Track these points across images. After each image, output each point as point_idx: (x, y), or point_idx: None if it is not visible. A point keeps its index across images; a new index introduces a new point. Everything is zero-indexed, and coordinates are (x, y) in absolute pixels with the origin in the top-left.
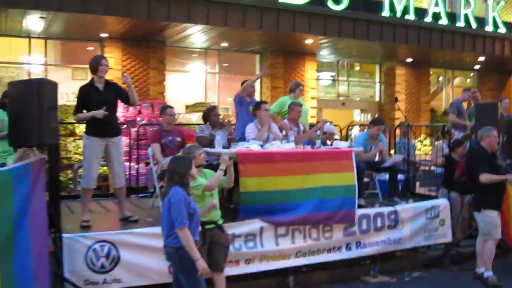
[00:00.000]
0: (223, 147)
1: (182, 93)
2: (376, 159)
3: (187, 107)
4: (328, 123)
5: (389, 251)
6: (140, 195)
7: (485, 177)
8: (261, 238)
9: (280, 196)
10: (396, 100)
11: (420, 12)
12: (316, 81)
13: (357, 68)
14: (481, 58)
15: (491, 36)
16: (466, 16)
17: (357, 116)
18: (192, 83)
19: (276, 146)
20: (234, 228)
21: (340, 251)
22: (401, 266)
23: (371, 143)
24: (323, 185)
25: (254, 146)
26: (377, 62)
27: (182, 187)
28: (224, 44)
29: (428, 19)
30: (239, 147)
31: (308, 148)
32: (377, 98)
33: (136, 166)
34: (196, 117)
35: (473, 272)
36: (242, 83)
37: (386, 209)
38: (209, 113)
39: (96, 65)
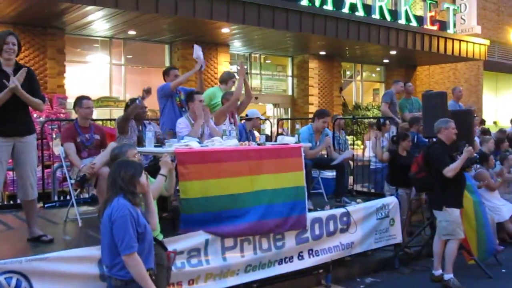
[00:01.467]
0: None
1: (84, 86)
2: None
3: None
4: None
5: (341, 257)
6: (47, 205)
7: (449, 170)
8: (206, 253)
9: (226, 202)
10: (341, 89)
11: (338, 3)
12: None
13: (269, 61)
14: (393, 52)
15: (404, 30)
16: (380, 8)
17: (270, 110)
18: (96, 76)
19: (217, 143)
20: (176, 243)
21: (292, 262)
22: (352, 272)
23: (316, 137)
24: (272, 188)
25: (193, 144)
26: (289, 55)
27: (127, 198)
28: (132, 33)
29: (346, 10)
30: (177, 145)
31: (254, 145)
32: (290, 92)
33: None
34: (101, 113)
35: (429, 274)
36: (166, 72)
37: (338, 211)
38: None
39: (1, 43)
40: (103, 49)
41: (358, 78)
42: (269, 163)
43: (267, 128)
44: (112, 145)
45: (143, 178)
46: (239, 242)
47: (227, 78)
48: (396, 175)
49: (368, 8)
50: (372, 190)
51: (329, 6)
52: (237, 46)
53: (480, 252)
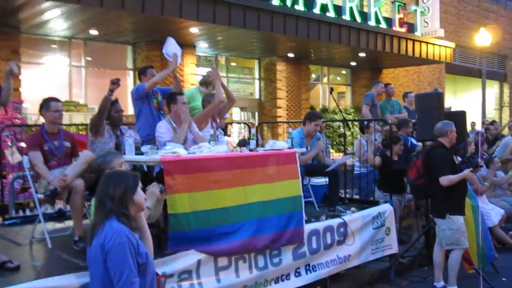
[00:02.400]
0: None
1: (42, 90)
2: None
3: None
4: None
5: (338, 271)
6: (7, 222)
7: (446, 179)
8: (199, 274)
9: (218, 217)
10: (332, 90)
11: (309, 3)
12: (195, 77)
13: (235, 64)
14: (362, 54)
15: (374, 31)
16: (351, 9)
17: (237, 114)
18: (54, 79)
19: (206, 150)
20: (165, 265)
21: (289, 279)
22: (346, 287)
23: (307, 142)
24: (267, 199)
25: (181, 151)
26: (256, 57)
27: (121, 220)
28: (93, 32)
29: (317, 10)
30: (163, 152)
31: (246, 151)
32: (257, 95)
33: None
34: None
35: (428, 285)
36: (142, 71)
37: (335, 222)
38: (109, 109)
39: None
40: (61, 50)
41: (325, 80)
42: (263, 171)
43: (234, 133)
44: (86, 154)
45: (139, 195)
46: (233, 260)
47: (209, 81)
48: (389, 181)
49: (338, 9)
50: (356, 197)
51: (300, 6)
52: (203, 47)
53: (479, 260)
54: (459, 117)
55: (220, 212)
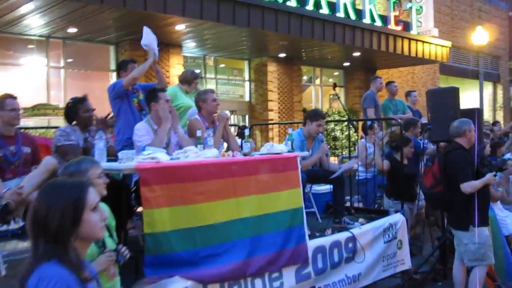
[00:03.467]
0: None
1: (17, 92)
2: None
3: (25, 110)
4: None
5: None
6: None
7: (470, 186)
8: None
9: (206, 235)
10: (335, 86)
11: None
12: None
13: (224, 65)
14: (357, 53)
15: (369, 29)
16: (345, 6)
17: None
18: (31, 80)
19: (193, 154)
20: None
21: None
22: None
23: (308, 144)
24: (264, 212)
25: (161, 156)
26: (246, 58)
27: (64, 264)
28: (72, 30)
29: (310, 7)
30: (139, 158)
31: (239, 156)
32: (247, 98)
33: None
34: (38, 122)
35: None
36: (122, 66)
37: (342, 236)
38: (77, 107)
39: None
40: (39, 50)
41: (318, 82)
42: (259, 180)
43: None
44: (48, 161)
45: (89, 214)
46: (226, 287)
47: (191, 79)
48: (399, 187)
49: (332, 6)
50: (359, 205)
51: (292, 2)
52: (190, 47)
53: (501, 276)
54: (449, 96)
55: (208, 229)
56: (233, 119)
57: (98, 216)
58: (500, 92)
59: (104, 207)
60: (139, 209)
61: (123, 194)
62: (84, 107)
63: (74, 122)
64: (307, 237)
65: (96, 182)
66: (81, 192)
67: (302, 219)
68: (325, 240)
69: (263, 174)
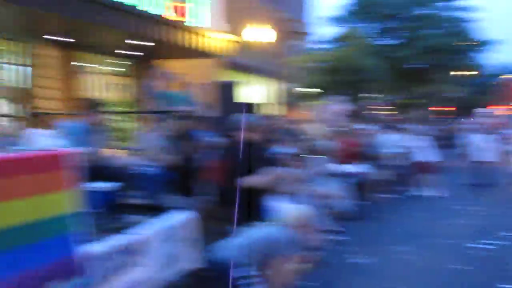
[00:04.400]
0: None
1: None
2: None
3: None
4: None
5: None
6: None
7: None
8: None
9: None
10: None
11: None
12: None
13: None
14: (137, 42)
15: (153, 19)
16: None
17: (3, 107)
18: None
19: None
20: None
21: None
22: None
23: (88, 136)
24: (25, 220)
25: None
26: (22, 41)
27: None
28: None
29: None
30: None
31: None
32: (25, 85)
33: None
34: None
35: None
36: None
37: (123, 238)
38: None
39: None
40: None
41: (101, 71)
42: (15, 183)
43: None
44: None
45: None
46: None
47: None
48: (186, 182)
49: None
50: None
51: None
52: None
53: None
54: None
55: None
56: (12, 109)
57: None
58: (278, 88)
59: None
60: None
61: None
62: None
63: None
64: (81, 246)
65: None
66: None
67: (69, 226)
68: (103, 246)
69: (21, 175)
